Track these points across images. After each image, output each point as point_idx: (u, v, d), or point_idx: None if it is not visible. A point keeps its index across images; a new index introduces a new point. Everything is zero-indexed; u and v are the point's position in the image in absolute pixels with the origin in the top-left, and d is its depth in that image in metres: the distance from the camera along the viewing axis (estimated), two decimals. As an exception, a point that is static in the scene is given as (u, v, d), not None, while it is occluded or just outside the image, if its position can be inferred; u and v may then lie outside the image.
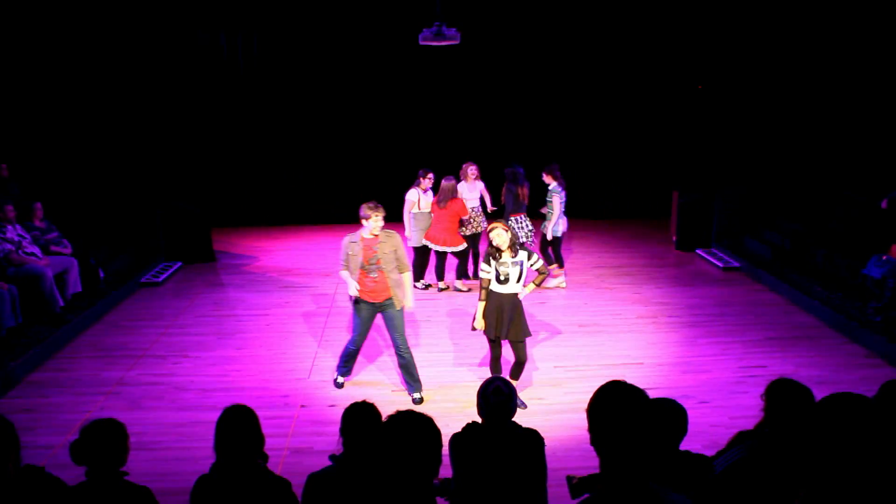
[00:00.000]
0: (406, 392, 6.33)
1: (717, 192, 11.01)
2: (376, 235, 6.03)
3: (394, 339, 6.20)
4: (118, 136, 10.15)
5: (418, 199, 9.04)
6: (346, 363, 6.45)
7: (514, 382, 6.01)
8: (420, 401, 6.20)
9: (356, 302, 6.14)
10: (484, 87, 12.71)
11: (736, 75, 10.65)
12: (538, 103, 12.88)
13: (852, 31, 9.60)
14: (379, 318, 6.28)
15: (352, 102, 12.72)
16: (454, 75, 12.52)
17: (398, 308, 6.12)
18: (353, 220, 12.63)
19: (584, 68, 12.64)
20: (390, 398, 6.27)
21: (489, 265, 5.82)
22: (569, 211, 9.30)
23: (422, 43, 9.10)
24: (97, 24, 9.45)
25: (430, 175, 9.13)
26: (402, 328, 6.17)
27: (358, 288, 6.02)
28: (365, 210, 5.97)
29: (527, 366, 6.17)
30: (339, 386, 6.51)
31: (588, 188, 13.32)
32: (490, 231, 5.79)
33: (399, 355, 6.20)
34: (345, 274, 6.15)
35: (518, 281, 5.82)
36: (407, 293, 6.20)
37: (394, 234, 6.13)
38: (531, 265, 5.90)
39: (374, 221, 5.94)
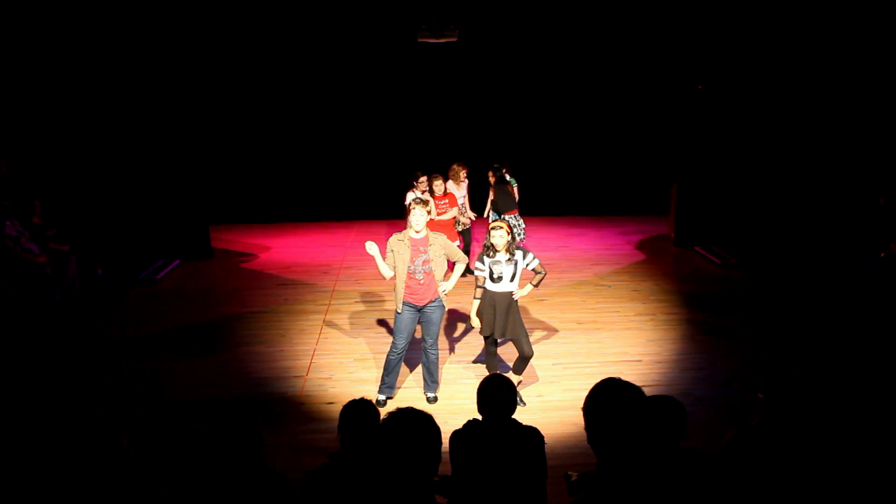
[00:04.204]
0: (422, 390, 6.26)
1: (716, 188, 11.00)
2: (424, 235, 5.81)
3: (426, 338, 6.02)
4: (116, 133, 10.11)
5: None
6: (388, 376, 6.03)
7: (518, 378, 6.01)
8: (434, 400, 6.14)
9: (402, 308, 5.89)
10: (482, 84, 12.70)
11: (736, 73, 10.62)
12: (535, 100, 12.87)
13: (852, 27, 9.58)
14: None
15: (350, 100, 12.69)
16: (453, 73, 12.51)
17: (447, 307, 5.93)
18: (352, 217, 12.87)
19: (583, 66, 12.62)
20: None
21: (483, 263, 5.82)
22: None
23: (420, 40, 9.10)
24: (95, 19, 9.41)
25: (423, 178, 9.05)
26: (438, 329, 6.02)
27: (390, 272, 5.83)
28: (411, 203, 5.81)
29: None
30: (381, 404, 6.00)
31: (586, 185, 13.32)
32: (492, 228, 5.75)
33: (426, 354, 6.07)
34: (382, 265, 5.84)
35: (512, 280, 5.80)
36: (451, 278, 6.02)
37: (441, 236, 5.94)
38: (527, 265, 5.84)
39: (413, 217, 5.71)
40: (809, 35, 9.95)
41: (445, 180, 9.00)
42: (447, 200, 8.88)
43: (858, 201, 9.24)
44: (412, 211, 5.76)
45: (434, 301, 5.92)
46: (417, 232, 5.80)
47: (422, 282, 5.81)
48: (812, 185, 10.20)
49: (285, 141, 12.89)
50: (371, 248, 5.78)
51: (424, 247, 5.81)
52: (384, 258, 5.87)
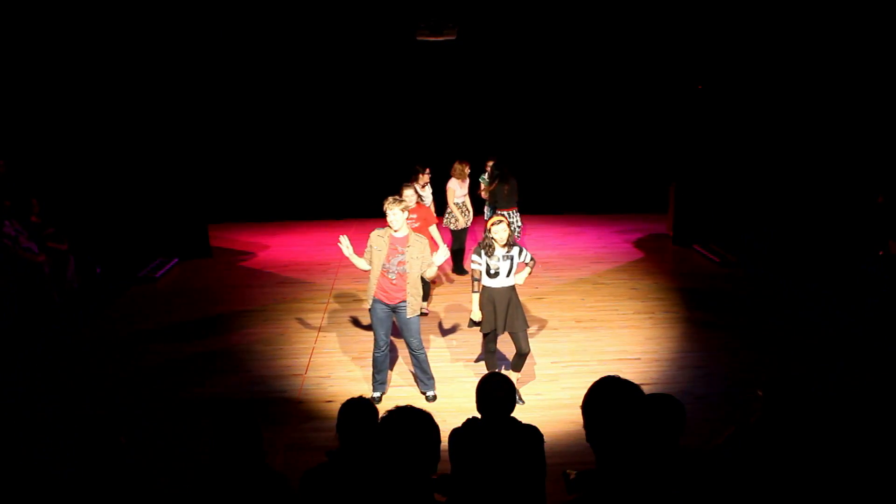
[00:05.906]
0: (419, 390, 6.27)
1: (715, 187, 11.00)
2: (404, 235, 5.77)
3: (409, 341, 5.98)
4: (115, 132, 10.10)
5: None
6: (378, 374, 6.09)
7: (516, 375, 6.02)
8: (434, 398, 6.14)
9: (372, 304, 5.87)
10: (481, 82, 12.68)
11: (736, 73, 10.62)
12: (534, 99, 12.86)
13: (852, 27, 9.58)
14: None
15: (349, 98, 12.68)
16: (451, 71, 12.50)
17: (409, 316, 5.87)
18: (350, 216, 12.87)
19: (582, 64, 12.61)
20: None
21: (480, 257, 5.82)
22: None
23: (419, 38, 9.08)
24: (94, 19, 9.40)
25: (427, 170, 9.10)
26: (418, 330, 5.97)
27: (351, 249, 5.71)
28: (385, 204, 5.73)
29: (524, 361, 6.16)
30: (377, 401, 6.03)
31: (585, 183, 13.32)
32: (492, 224, 5.75)
33: (413, 356, 6.06)
34: (355, 259, 5.80)
35: (508, 276, 5.83)
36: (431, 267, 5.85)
37: (423, 239, 5.87)
38: (521, 260, 5.91)
39: (390, 215, 5.66)
40: (809, 35, 9.94)
41: (417, 193, 8.06)
42: (416, 216, 7.56)
43: (857, 200, 9.25)
44: (387, 212, 5.69)
45: (404, 301, 5.85)
46: (397, 231, 5.76)
47: (394, 281, 5.77)
48: (811, 184, 10.21)
49: (284, 139, 12.88)
50: (346, 248, 5.71)
51: (402, 247, 5.75)
52: (363, 253, 5.84)
